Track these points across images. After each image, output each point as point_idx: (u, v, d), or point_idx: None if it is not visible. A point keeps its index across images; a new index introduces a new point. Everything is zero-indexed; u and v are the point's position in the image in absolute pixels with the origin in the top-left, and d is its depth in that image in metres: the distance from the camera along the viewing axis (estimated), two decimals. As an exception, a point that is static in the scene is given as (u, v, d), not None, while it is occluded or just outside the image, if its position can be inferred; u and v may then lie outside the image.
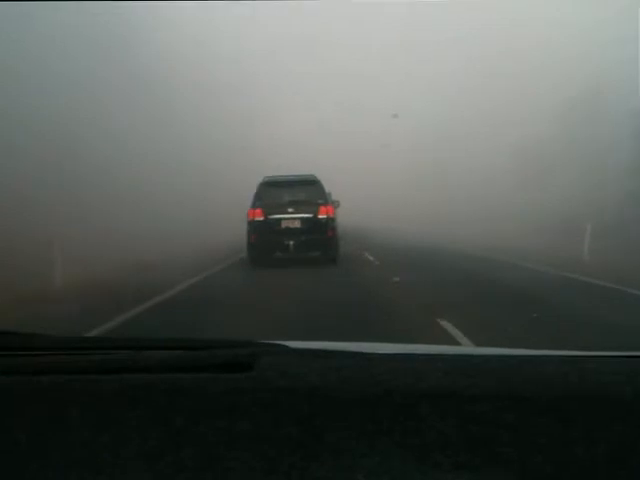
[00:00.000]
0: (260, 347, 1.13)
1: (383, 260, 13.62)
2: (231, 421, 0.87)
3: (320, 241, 12.81)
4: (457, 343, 5.24)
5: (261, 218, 12.84)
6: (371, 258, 14.54)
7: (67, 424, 0.89)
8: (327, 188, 13.93)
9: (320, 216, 12.93)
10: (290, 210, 12.94)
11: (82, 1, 18.85)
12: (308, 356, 1.09)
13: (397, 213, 34.33)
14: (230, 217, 16.11)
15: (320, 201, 13.07)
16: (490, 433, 0.85)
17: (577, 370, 1.02)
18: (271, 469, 0.81)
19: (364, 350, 1.15)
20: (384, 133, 44.19)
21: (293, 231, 12.84)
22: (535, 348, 1.25)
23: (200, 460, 0.83)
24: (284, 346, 1.15)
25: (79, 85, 17.81)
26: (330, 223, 13.02)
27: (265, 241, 12.72)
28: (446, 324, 6.07)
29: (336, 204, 14.38)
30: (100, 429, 0.87)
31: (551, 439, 0.84)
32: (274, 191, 13.12)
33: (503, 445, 0.83)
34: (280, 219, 12.88)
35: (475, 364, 1.08)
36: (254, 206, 13.02)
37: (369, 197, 39.64)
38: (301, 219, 12.89)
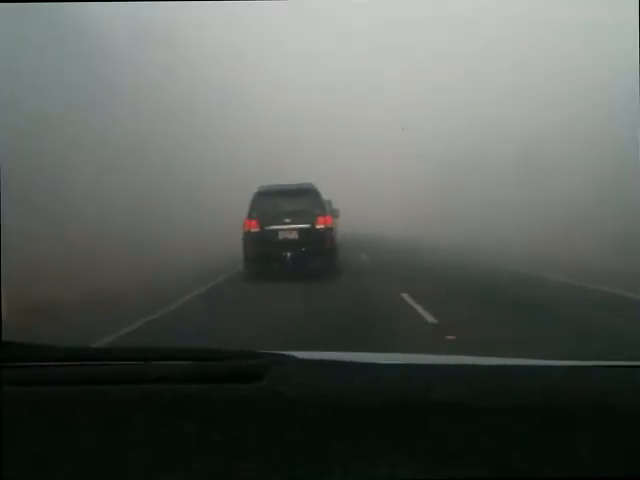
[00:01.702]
0: (269, 358, 1.13)
1: (455, 323, 6.43)
2: (241, 431, 0.88)
3: (318, 252, 12.46)
4: None
5: (257, 229, 12.53)
6: (429, 318, 6.88)
7: (77, 434, 0.90)
8: (329, 197, 13.59)
9: (318, 226, 12.58)
10: (287, 220, 12.61)
11: (85, 2, 18.69)
12: (317, 367, 1.11)
13: (409, 221, 33.66)
14: (231, 226, 15.61)
15: (317, 211, 12.74)
16: (498, 442, 0.85)
17: (584, 380, 1.04)
18: (281, 478, 0.82)
19: (371, 360, 1.16)
20: (389, 138, 43.94)
21: (290, 242, 12.51)
22: (541, 358, 1.22)
23: (209, 469, 0.83)
24: (292, 357, 1.16)
25: (76, 90, 17.64)
26: (328, 233, 12.67)
27: (261, 253, 12.41)
28: None
29: (336, 213, 14.01)
30: (110, 439, 0.88)
31: (558, 448, 0.84)
32: (270, 201, 12.78)
33: (510, 454, 0.83)
34: (277, 230, 12.54)
35: (482, 374, 1.09)
36: (250, 217, 12.71)
37: (377, 205, 39.25)
38: (298, 230, 12.54)
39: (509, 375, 1.08)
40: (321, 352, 1.27)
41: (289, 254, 12.41)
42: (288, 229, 12.54)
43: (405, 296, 8.77)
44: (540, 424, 0.88)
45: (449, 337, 5.63)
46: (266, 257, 12.49)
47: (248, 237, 12.58)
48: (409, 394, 0.96)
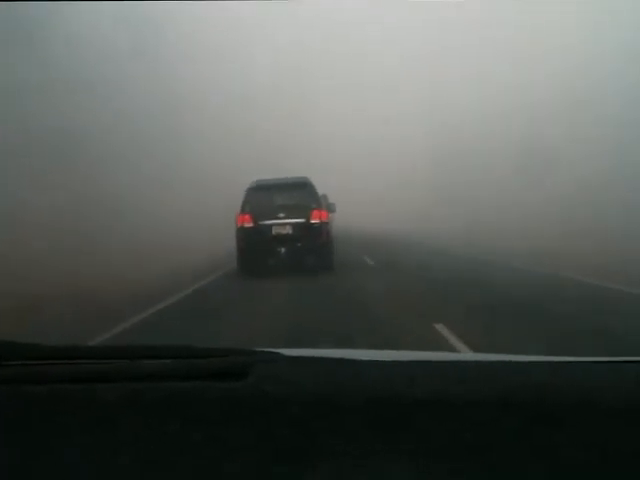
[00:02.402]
0: (255, 355, 1.12)
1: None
2: (226, 428, 0.88)
3: (313, 247, 12.15)
4: None
5: (250, 224, 12.20)
6: None
7: (64, 432, 0.90)
8: (328, 192, 13.28)
9: (313, 221, 12.27)
10: (281, 215, 12.28)
11: (97, 1, 18.62)
12: (302, 364, 1.11)
13: (409, 217, 33.21)
14: (226, 221, 15.29)
15: (312, 205, 12.39)
16: (483, 439, 0.85)
17: (568, 376, 1.04)
18: (265, 476, 0.82)
19: (358, 357, 1.14)
20: (388, 134, 43.73)
21: (284, 237, 12.20)
22: (527, 354, 1.20)
23: (195, 467, 0.83)
24: (279, 354, 1.14)
25: (78, 86, 17.56)
26: (324, 228, 12.37)
27: (255, 248, 12.14)
28: None
29: (331, 207, 13.71)
30: (96, 437, 0.89)
31: (543, 445, 0.84)
32: (263, 195, 12.45)
33: (496, 450, 0.84)
34: (270, 225, 12.22)
35: (468, 371, 1.08)
36: (243, 211, 12.37)
37: (376, 200, 38.87)
38: (292, 224, 12.22)
39: (495, 371, 1.08)
40: (308, 349, 1.25)
41: (283, 249, 12.12)
42: (282, 224, 12.22)
43: (441, 329, 5.86)
44: (526, 420, 0.88)
45: None
46: (259, 253, 12.22)
47: (241, 232, 12.26)
48: (395, 390, 0.95)
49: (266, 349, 1.18)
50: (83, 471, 0.84)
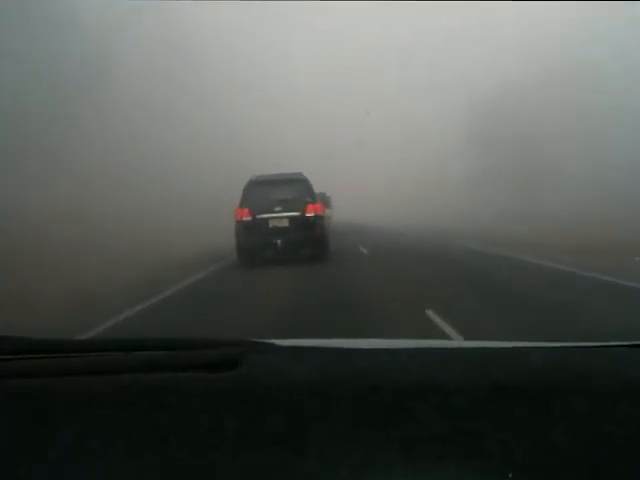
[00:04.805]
0: (246, 346, 1.13)
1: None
2: (217, 419, 0.88)
3: (309, 239, 12.76)
4: None
5: (249, 218, 12.78)
6: None
7: (56, 425, 0.90)
8: (328, 188, 13.73)
9: (308, 214, 12.86)
10: (278, 209, 12.85)
11: None
12: (293, 353, 1.12)
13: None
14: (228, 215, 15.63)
15: (307, 199, 12.98)
16: (474, 425, 0.85)
17: (559, 361, 1.04)
18: (257, 465, 0.81)
19: (349, 346, 1.17)
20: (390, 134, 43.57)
21: (281, 230, 12.76)
22: (517, 340, 1.21)
23: (186, 458, 0.83)
24: (270, 344, 1.15)
25: (76, 86, 17.74)
26: (318, 221, 13.00)
27: (253, 241, 12.67)
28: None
29: (327, 201, 14.24)
30: (88, 430, 0.88)
31: (534, 430, 0.84)
32: (262, 190, 13.02)
33: (486, 436, 0.83)
34: (268, 218, 12.79)
35: (458, 357, 1.10)
36: (242, 206, 12.97)
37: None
38: (289, 218, 12.80)
39: (486, 357, 1.09)
40: (299, 339, 1.26)
41: (279, 241, 12.64)
42: (279, 217, 12.80)
43: None
44: (517, 406, 0.88)
45: None
46: (257, 245, 12.75)
47: (240, 226, 12.83)
48: (386, 379, 0.96)
49: (258, 339, 1.19)
50: (76, 464, 0.84)
